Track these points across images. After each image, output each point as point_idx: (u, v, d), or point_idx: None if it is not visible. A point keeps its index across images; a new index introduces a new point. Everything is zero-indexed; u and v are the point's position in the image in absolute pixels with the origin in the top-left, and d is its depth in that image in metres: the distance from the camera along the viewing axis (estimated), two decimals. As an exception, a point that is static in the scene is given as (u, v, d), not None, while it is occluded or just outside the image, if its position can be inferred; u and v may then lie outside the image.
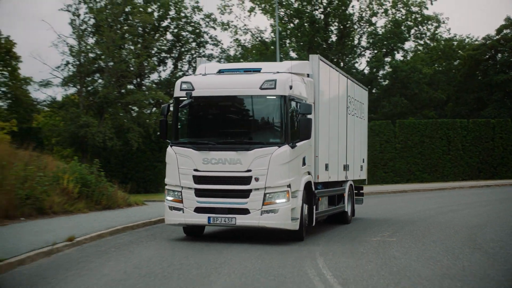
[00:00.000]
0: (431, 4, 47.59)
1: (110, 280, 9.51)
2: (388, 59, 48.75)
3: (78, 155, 32.57)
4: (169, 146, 13.62)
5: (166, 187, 13.64)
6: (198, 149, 13.20)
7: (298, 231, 13.45)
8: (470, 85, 49.46)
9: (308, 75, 14.72)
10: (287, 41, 46.89)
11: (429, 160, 40.31)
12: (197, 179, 13.16)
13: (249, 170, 12.86)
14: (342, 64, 46.35)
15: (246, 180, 12.90)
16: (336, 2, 46.07)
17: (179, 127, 13.83)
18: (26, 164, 18.02)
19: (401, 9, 48.06)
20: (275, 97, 13.11)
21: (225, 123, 13.82)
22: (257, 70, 14.14)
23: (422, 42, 50.59)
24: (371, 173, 38.64)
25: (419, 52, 50.66)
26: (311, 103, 14.04)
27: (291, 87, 13.18)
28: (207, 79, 13.79)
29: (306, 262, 11.03)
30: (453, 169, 40.49)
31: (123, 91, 38.13)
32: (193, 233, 14.42)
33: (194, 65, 41.27)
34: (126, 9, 38.77)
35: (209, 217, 13.07)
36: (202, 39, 45.96)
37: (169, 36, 45.29)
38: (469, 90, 49.42)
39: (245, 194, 12.93)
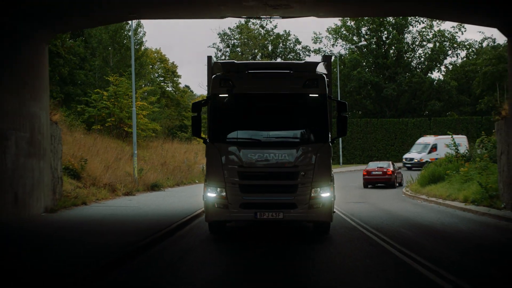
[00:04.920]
0: (462, 34, 67.53)
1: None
2: (433, 73, 69.36)
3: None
4: (210, 143, 13.26)
5: (207, 183, 13.30)
6: (243, 146, 13.05)
7: (329, 224, 13.86)
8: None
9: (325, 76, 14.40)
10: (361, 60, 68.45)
11: (454, 145, 59.72)
12: (243, 175, 13.01)
13: (296, 166, 12.89)
14: (396, 78, 67.14)
15: (294, 175, 12.93)
16: (391, 37, 66.87)
17: (217, 124, 13.40)
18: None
19: (440, 38, 67.84)
20: (317, 95, 13.20)
21: (268, 120, 13.62)
22: (289, 69, 14.04)
23: (458, 59, 70.77)
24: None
25: (451, 67, 70.73)
26: (345, 102, 13.75)
27: (328, 86, 13.50)
28: (246, 77, 13.57)
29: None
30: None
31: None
32: (217, 230, 14.29)
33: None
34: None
35: (255, 212, 12.96)
36: (301, 63, 68.95)
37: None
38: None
39: (292, 188, 12.95)
